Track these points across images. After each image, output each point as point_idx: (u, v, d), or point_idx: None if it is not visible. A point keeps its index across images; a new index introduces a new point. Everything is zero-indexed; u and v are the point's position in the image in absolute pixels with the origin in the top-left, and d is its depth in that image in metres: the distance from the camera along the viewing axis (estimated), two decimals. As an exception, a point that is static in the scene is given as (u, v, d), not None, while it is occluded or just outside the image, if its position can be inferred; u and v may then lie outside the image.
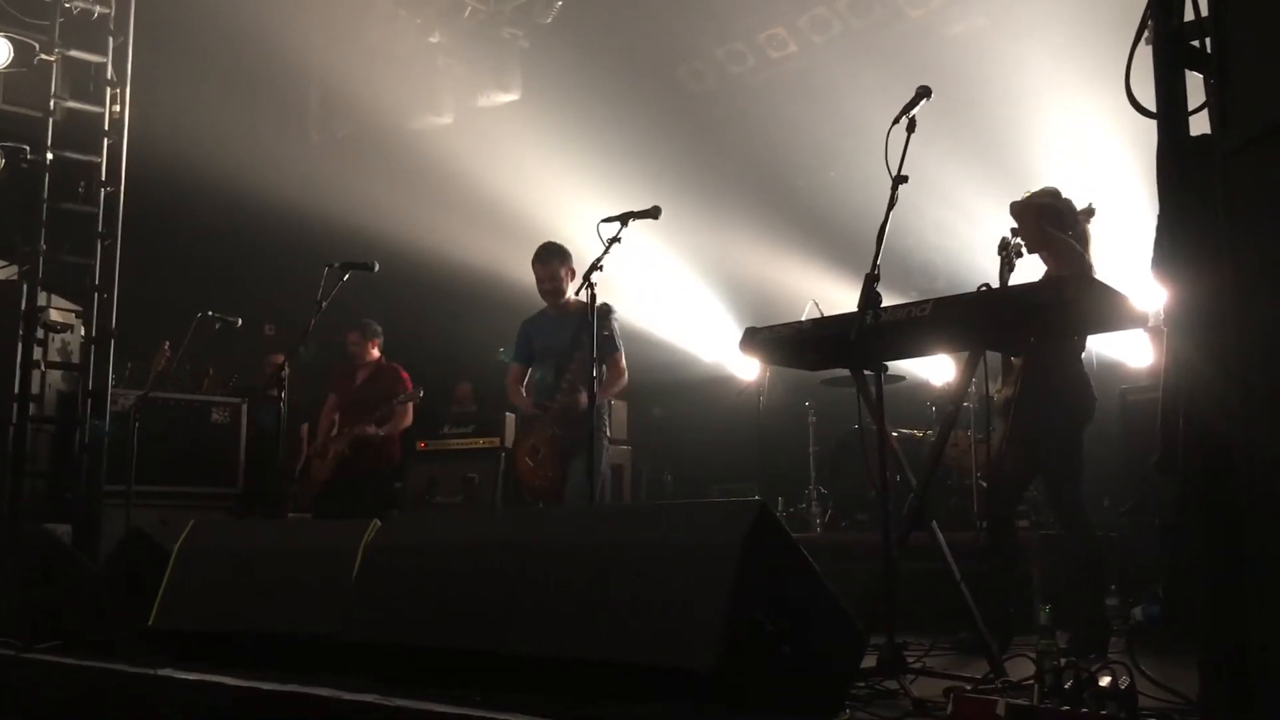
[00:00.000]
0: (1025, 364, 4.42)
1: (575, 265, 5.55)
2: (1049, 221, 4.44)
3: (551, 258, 5.63)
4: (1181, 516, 2.27)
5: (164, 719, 3.52)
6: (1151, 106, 2.40)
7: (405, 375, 7.26)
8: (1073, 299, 3.39)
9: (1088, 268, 4.30)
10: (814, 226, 8.37)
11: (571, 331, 5.42)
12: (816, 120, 8.41)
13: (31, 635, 4.34)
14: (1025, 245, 4.50)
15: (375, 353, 7.35)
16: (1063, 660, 2.73)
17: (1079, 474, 4.51)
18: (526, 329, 5.81)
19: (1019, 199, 4.58)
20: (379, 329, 7.36)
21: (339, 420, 7.21)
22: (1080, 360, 4.61)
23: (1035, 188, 4.71)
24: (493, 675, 3.10)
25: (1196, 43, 2.35)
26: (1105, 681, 2.35)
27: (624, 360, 5.56)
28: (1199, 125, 2.39)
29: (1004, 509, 4.66)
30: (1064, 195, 4.63)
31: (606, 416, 5.71)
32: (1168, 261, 2.38)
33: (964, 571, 3.68)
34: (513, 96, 9.80)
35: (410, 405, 7.20)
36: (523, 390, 5.74)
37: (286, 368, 5.84)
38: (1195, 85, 2.43)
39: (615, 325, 5.54)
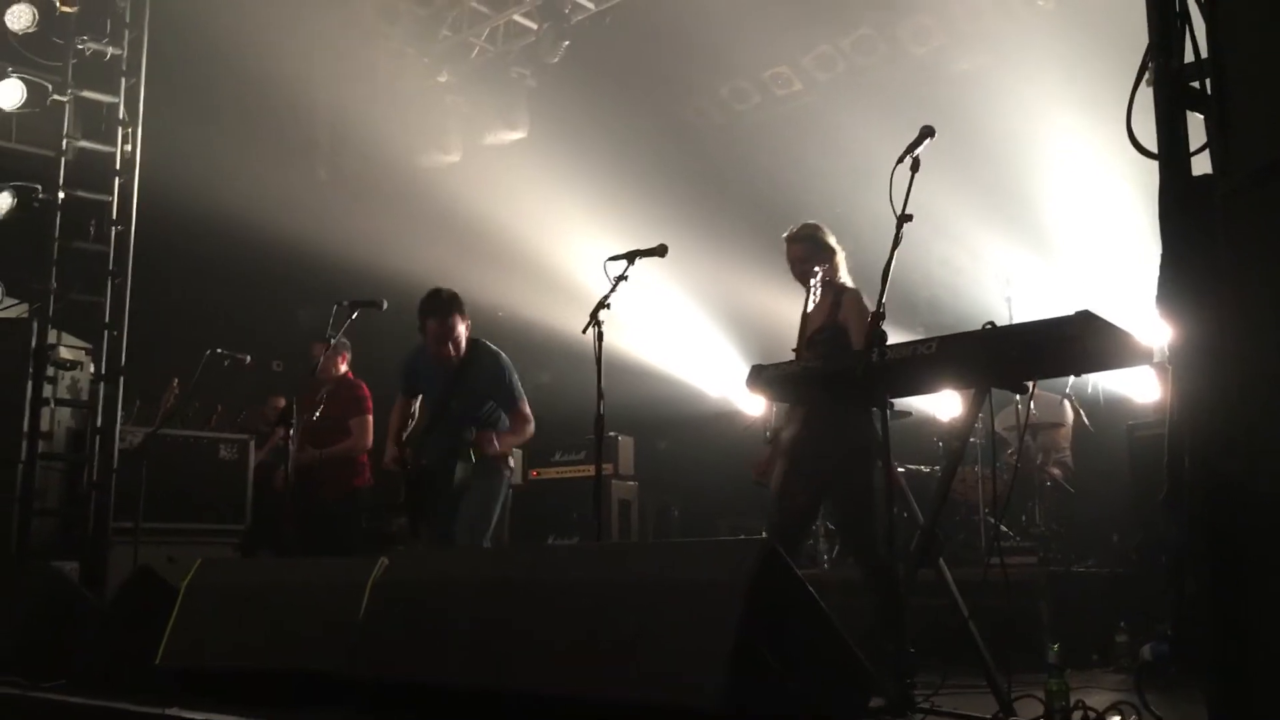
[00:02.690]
0: (813, 407, 4.53)
1: (580, 301, 5.49)
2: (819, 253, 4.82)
3: (451, 310, 5.38)
4: (1188, 554, 2.27)
5: (171, 758, 3.51)
6: (1153, 147, 2.43)
7: (366, 391, 6.91)
8: (1077, 336, 3.40)
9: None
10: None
11: (454, 380, 5.37)
12: (821, 158, 8.46)
13: (38, 673, 4.34)
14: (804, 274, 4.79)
15: (344, 368, 6.99)
16: (1071, 699, 2.72)
17: (869, 510, 4.51)
18: (412, 364, 5.61)
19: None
20: (347, 341, 6.92)
21: (304, 439, 6.68)
22: None
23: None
24: (500, 713, 3.10)
25: (1197, 84, 2.38)
26: (1114, 720, 2.34)
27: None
28: (1200, 165, 2.42)
29: (790, 545, 4.64)
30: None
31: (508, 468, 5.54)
32: (1171, 299, 2.39)
33: (971, 608, 3.68)
34: (520, 135, 9.89)
35: (369, 422, 6.82)
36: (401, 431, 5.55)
37: (293, 408, 5.75)
38: (1196, 125, 2.45)
39: (515, 376, 5.45)
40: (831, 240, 4.93)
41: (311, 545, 6.35)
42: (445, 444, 5.31)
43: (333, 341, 5.67)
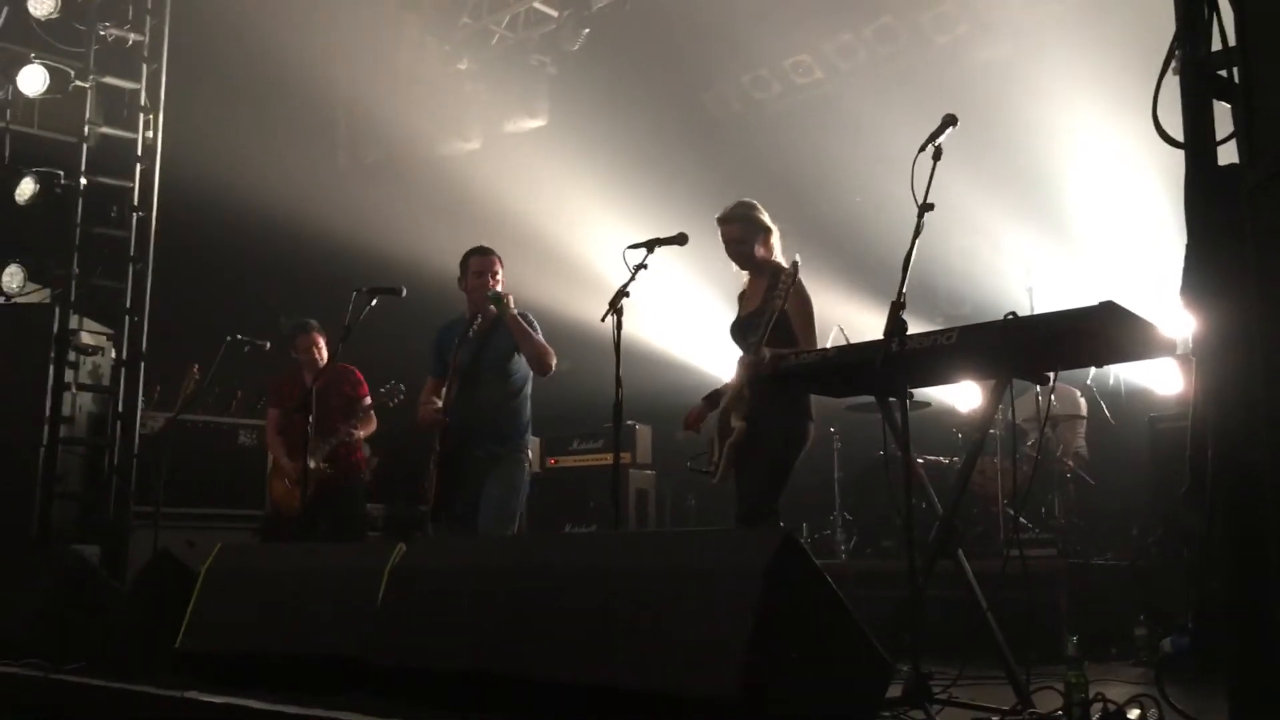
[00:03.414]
0: (755, 396, 4.51)
1: (599, 290, 5.53)
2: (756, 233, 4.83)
3: (492, 252, 5.56)
4: (1210, 547, 2.25)
5: (190, 741, 3.53)
6: (1179, 136, 2.40)
7: (360, 375, 6.76)
8: (1100, 327, 3.37)
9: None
10: (839, 253, 8.36)
11: (481, 342, 5.44)
12: (842, 146, 8.42)
13: (58, 656, 4.37)
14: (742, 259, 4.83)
15: (326, 354, 6.65)
16: (1091, 692, 2.71)
17: (776, 500, 4.62)
18: (440, 342, 5.67)
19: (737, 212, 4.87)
20: (316, 322, 6.79)
21: (290, 438, 6.47)
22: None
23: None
24: (516, 700, 3.10)
25: (1224, 73, 2.36)
26: (1134, 714, 2.33)
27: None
28: (1227, 155, 2.39)
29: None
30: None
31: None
32: (1196, 290, 2.37)
33: (990, 600, 3.66)
34: (540, 122, 9.88)
35: (373, 409, 6.69)
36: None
37: (314, 392, 5.74)
38: (1223, 115, 2.43)
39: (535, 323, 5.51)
40: (767, 219, 4.88)
41: (331, 524, 6.32)
42: (477, 400, 5.35)
43: (353, 328, 5.65)
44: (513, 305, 5.34)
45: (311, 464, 6.30)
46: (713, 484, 4.74)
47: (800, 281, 4.65)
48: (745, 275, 4.96)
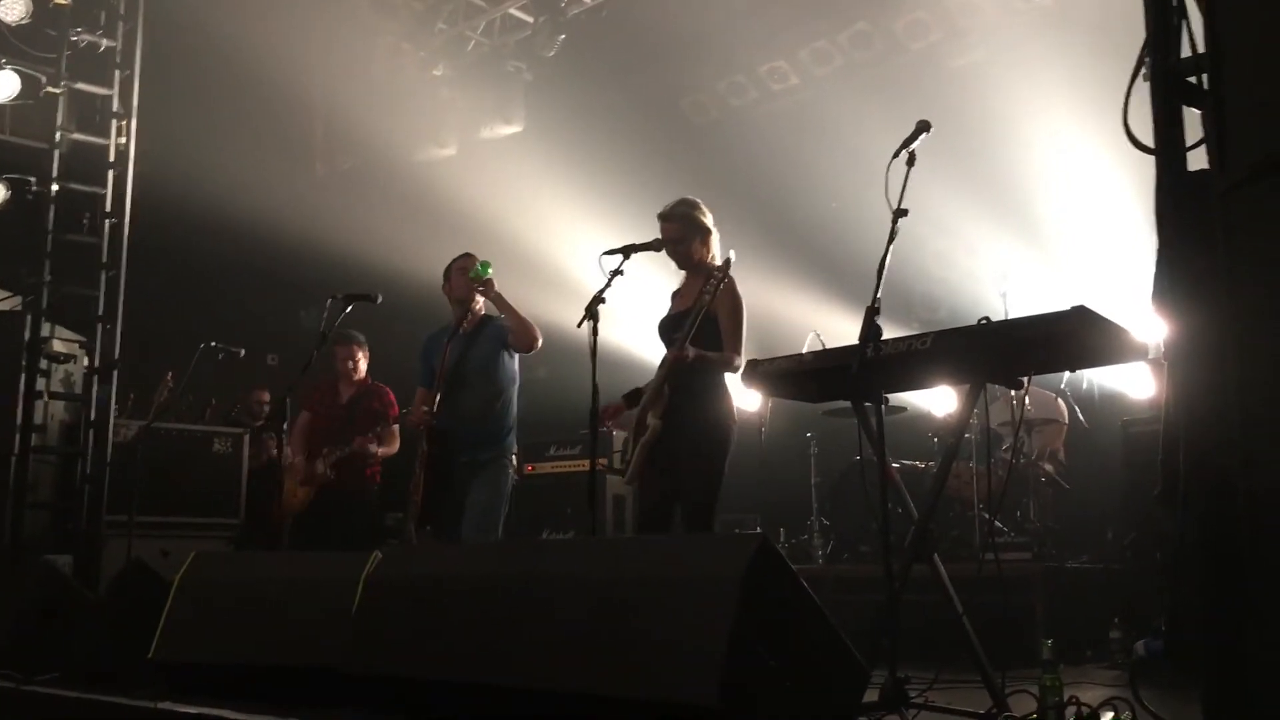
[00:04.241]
0: (673, 395, 4.56)
1: (575, 296, 5.55)
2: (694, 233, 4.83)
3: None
4: (1182, 550, 2.27)
5: (163, 752, 3.50)
6: (1150, 142, 2.42)
7: (392, 396, 6.82)
8: (1072, 332, 3.39)
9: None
10: (815, 258, 8.40)
11: (467, 344, 5.48)
12: (818, 152, 8.45)
13: (31, 666, 4.33)
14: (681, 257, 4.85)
15: (364, 369, 6.84)
16: (1065, 695, 2.72)
17: (716, 499, 4.63)
18: (426, 351, 5.71)
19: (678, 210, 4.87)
20: (362, 337, 6.85)
21: (316, 444, 6.56)
22: (726, 392, 4.73)
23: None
24: (493, 709, 3.09)
25: (1194, 79, 2.38)
26: (1108, 717, 2.34)
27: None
28: (1197, 160, 2.41)
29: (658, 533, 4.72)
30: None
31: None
32: (1167, 295, 2.39)
33: (965, 604, 3.67)
34: (516, 128, 9.86)
35: (398, 429, 6.74)
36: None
37: (288, 402, 5.73)
38: (1192, 121, 2.45)
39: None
40: (707, 220, 4.88)
41: (333, 535, 6.29)
42: (462, 405, 5.35)
43: (328, 335, 5.64)
44: (494, 286, 5.37)
45: (319, 468, 6.33)
46: (624, 484, 4.76)
47: (733, 281, 4.69)
48: (684, 274, 4.97)
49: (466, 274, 5.45)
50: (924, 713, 3.39)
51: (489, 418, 5.42)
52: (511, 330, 5.43)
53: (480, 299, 5.53)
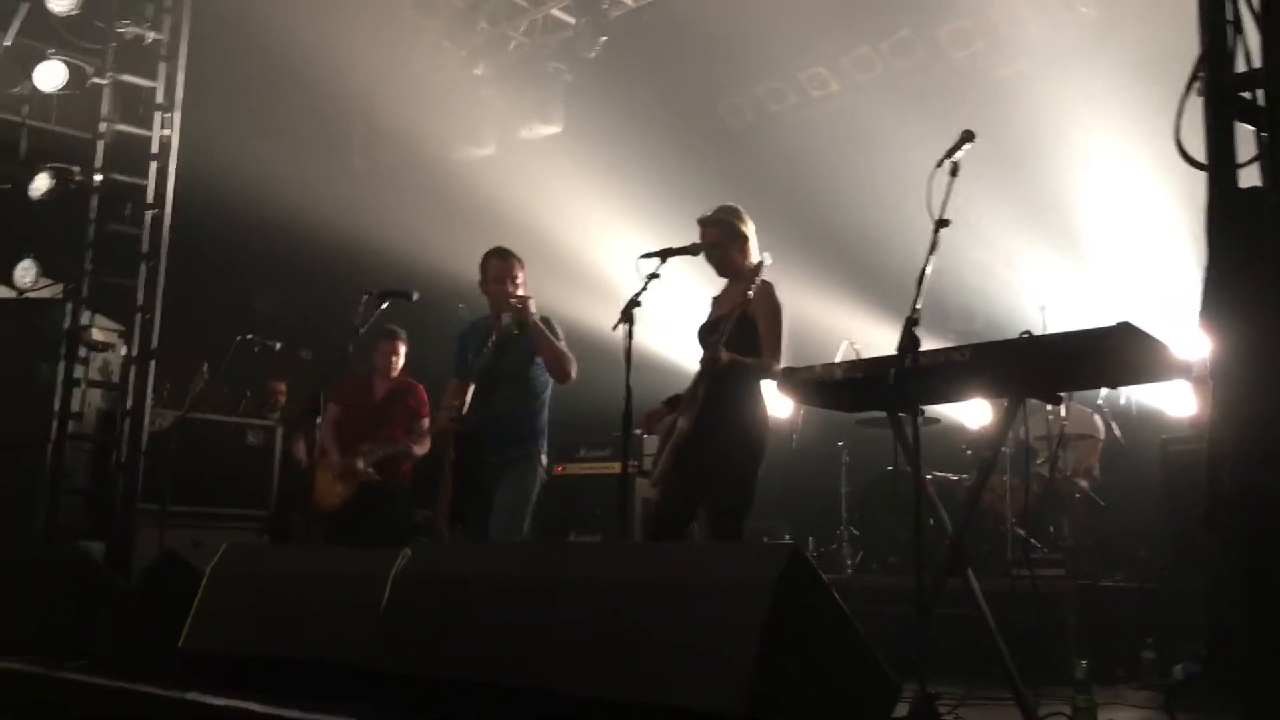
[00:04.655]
0: (706, 398, 4.49)
1: (612, 298, 5.51)
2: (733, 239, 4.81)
3: (512, 255, 5.49)
4: (1226, 571, 2.22)
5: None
6: (1201, 158, 2.38)
7: (425, 395, 6.76)
8: (1116, 348, 3.35)
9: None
10: (850, 266, 8.35)
11: (501, 348, 5.40)
12: (857, 159, 8.40)
13: (61, 653, 4.36)
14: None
15: (402, 365, 6.78)
16: (1100, 717, 2.68)
17: (747, 511, 4.57)
18: (462, 343, 5.64)
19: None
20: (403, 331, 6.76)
21: (346, 437, 6.49)
22: (760, 399, 4.66)
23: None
24: (519, 711, 3.08)
25: (1248, 94, 2.34)
26: (1144, 740, 2.30)
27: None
28: (1249, 178, 2.37)
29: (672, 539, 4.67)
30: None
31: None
32: (1215, 311, 2.35)
33: (997, 620, 3.63)
34: (555, 129, 9.87)
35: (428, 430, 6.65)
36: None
37: (322, 397, 5.70)
38: (1245, 137, 2.41)
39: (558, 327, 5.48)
40: (747, 227, 4.85)
41: (371, 531, 6.29)
42: (493, 405, 5.32)
43: (361, 331, 5.63)
44: (534, 310, 5.30)
45: (361, 465, 6.34)
46: (650, 485, 4.73)
47: (773, 287, 4.67)
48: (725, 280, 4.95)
49: (501, 285, 5.41)
50: (954, 729, 3.35)
51: (521, 418, 5.40)
52: (544, 362, 5.38)
53: (520, 281, 5.46)
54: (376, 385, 6.73)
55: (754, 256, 4.84)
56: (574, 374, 5.41)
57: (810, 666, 2.78)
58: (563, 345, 5.39)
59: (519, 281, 5.46)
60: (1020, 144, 7.48)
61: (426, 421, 6.61)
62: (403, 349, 6.75)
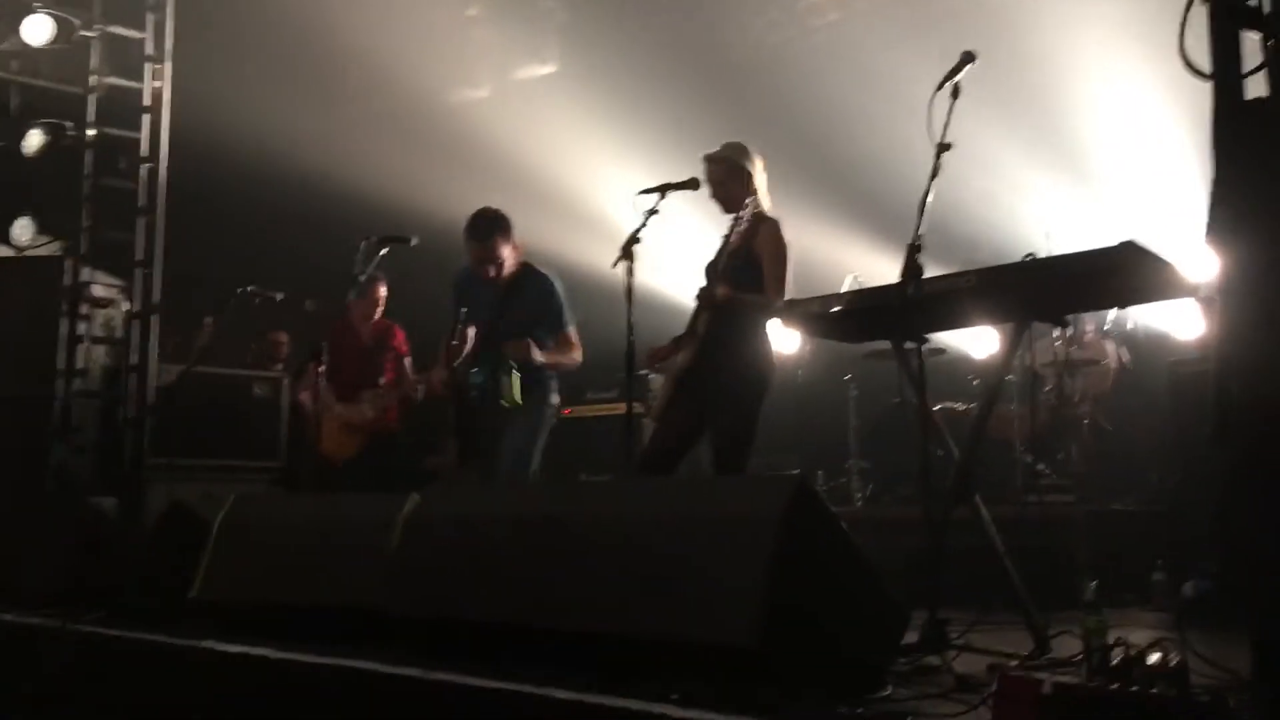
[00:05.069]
0: (707, 334, 4.48)
1: (611, 238, 5.44)
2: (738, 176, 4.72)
3: (492, 232, 5.27)
4: (1236, 489, 2.21)
5: (206, 690, 3.55)
6: (1206, 68, 2.33)
7: (402, 334, 6.76)
8: (1121, 267, 3.31)
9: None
10: (854, 197, 8.26)
11: (500, 304, 5.30)
12: (858, 88, 8.27)
13: (77, 606, 4.40)
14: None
15: (381, 306, 6.77)
16: (1110, 637, 2.67)
17: (749, 446, 4.58)
18: (459, 285, 5.50)
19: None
20: (382, 274, 6.53)
21: (340, 382, 6.42)
22: (764, 335, 4.64)
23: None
24: (532, 649, 3.09)
25: (1254, 1, 2.28)
26: (1154, 659, 2.29)
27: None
28: (1255, 87, 2.32)
29: (662, 474, 4.67)
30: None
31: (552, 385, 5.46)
32: (1222, 227, 2.31)
33: (1006, 546, 3.63)
34: (549, 69, 9.77)
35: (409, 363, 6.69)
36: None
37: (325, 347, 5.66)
38: (1251, 46, 2.35)
39: (563, 300, 5.37)
40: (752, 165, 4.77)
41: (389, 477, 6.31)
42: (491, 367, 5.24)
43: (362, 279, 5.58)
44: (536, 355, 5.17)
45: (370, 413, 6.32)
46: (649, 420, 4.72)
47: (778, 224, 4.63)
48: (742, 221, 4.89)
49: (482, 269, 5.29)
50: (965, 654, 3.36)
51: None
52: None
53: (510, 257, 5.31)
54: (361, 329, 6.70)
55: (763, 194, 4.77)
56: (577, 359, 5.39)
57: (819, 596, 2.79)
58: (571, 331, 5.34)
59: (502, 264, 5.29)
60: (1023, 64, 7.35)
61: (409, 361, 6.61)
62: (384, 291, 6.71)
